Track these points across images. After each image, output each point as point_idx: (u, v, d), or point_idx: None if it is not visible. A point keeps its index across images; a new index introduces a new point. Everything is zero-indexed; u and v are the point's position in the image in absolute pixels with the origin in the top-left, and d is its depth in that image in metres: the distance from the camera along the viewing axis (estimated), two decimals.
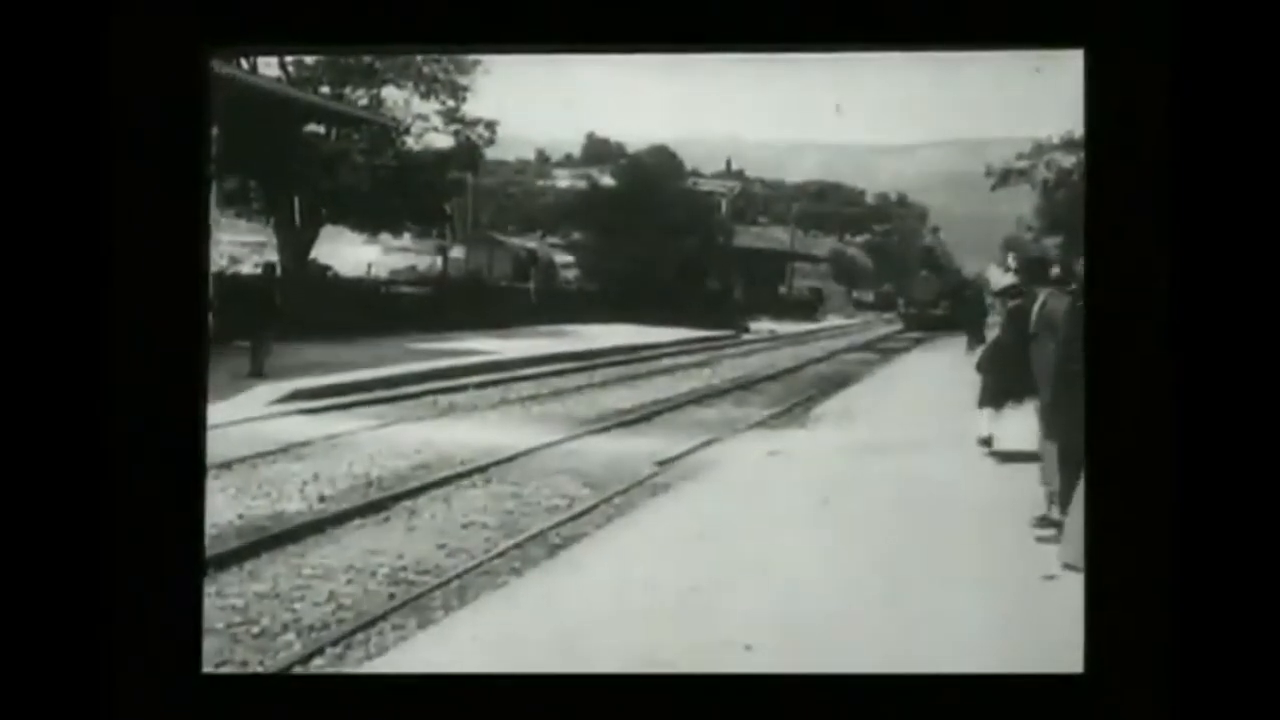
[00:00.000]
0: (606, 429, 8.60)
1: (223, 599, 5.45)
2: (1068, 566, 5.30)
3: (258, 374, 8.31)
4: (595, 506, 7.02)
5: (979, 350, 9.14)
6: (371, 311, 9.87)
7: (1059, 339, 6.16)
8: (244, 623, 5.29)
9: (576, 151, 10.45)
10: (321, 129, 9.77)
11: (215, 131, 3.93)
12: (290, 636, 5.24)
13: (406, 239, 10.46)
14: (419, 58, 9.26)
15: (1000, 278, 7.45)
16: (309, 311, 9.20)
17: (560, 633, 5.00)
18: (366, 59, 9.30)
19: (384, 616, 5.44)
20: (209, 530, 3.88)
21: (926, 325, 12.39)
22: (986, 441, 7.69)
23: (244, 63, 8.53)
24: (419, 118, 9.74)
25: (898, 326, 12.07)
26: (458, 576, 5.92)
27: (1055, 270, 6.55)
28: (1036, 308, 6.65)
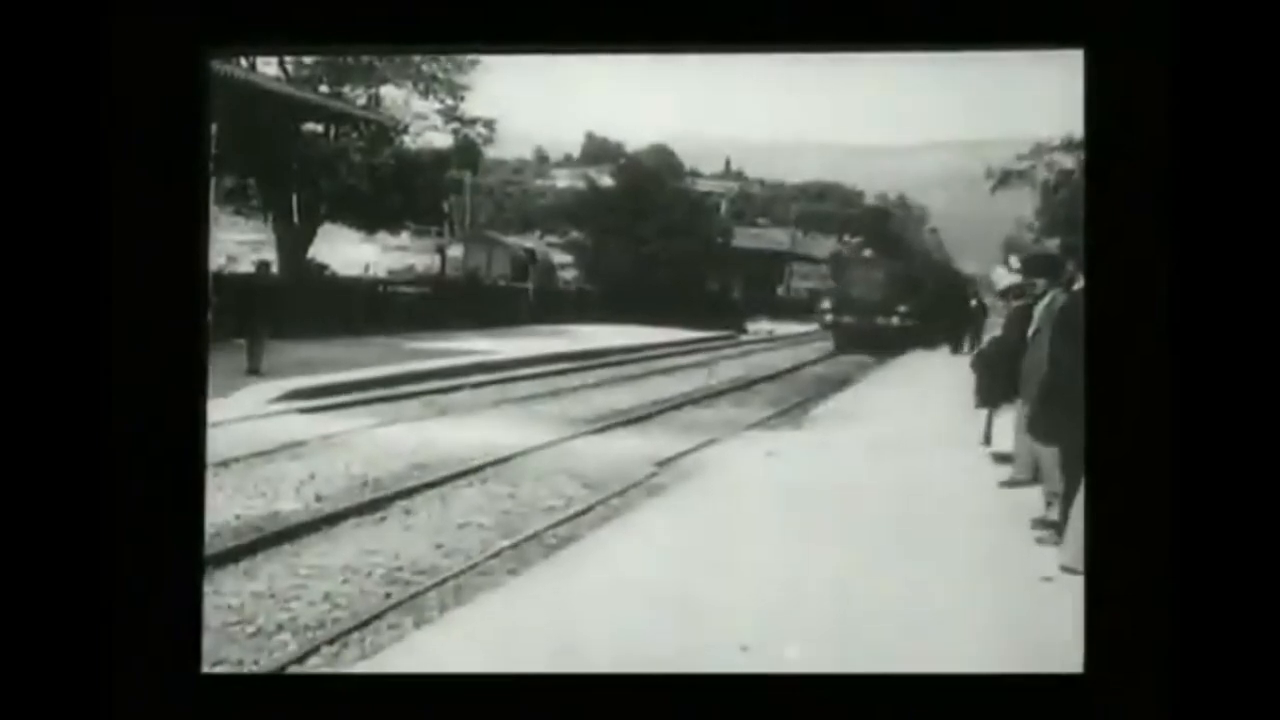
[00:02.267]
0: (604, 429, 8.61)
1: (219, 598, 5.45)
2: (1066, 569, 5.30)
3: (255, 371, 8.33)
4: (592, 507, 7.03)
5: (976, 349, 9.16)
6: (369, 310, 9.89)
7: (1058, 337, 6.15)
8: (239, 622, 5.29)
9: (575, 151, 10.47)
10: (320, 128, 9.79)
11: (214, 130, 3.91)
12: (286, 636, 5.24)
13: (405, 238, 10.48)
14: (418, 57, 9.28)
15: (1004, 277, 7.45)
16: (306, 310, 9.22)
17: (557, 633, 5.00)
18: (365, 58, 9.32)
19: (380, 616, 5.43)
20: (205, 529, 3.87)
21: (872, 343, 10.53)
22: (986, 441, 7.70)
23: (243, 62, 8.54)
24: (418, 116, 9.77)
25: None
26: (454, 576, 5.92)
27: (1066, 269, 6.52)
28: (1043, 306, 6.64)
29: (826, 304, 10.51)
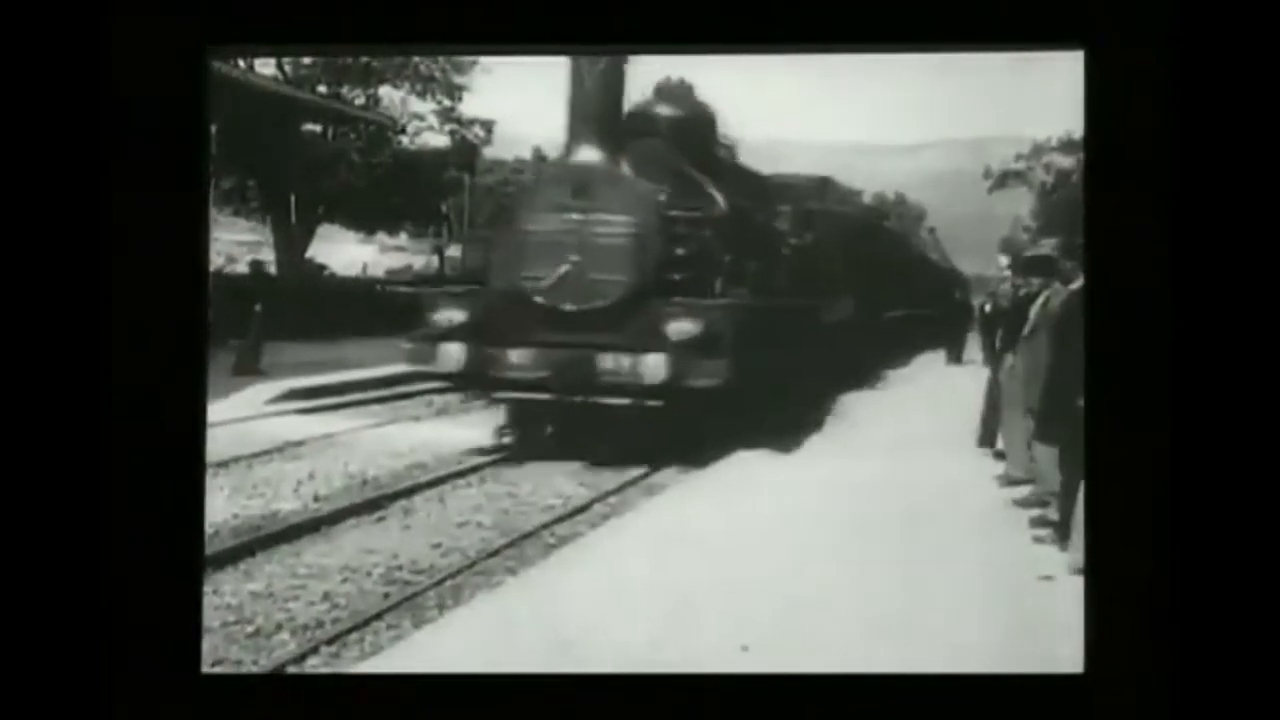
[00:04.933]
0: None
1: (218, 598, 5.45)
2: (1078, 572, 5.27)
3: (248, 372, 8.31)
4: (590, 505, 7.02)
5: (967, 359, 9.10)
6: (367, 310, 9.87)
7: (1058, 337, 6.16)
8: (238, 622, 5.29)
9: None
10: (318, 128, 9.79)
11: (213, 130, 3.92)
12: (285, 636, 5.23)
13: (403, 238, 10.47)
14: (416, 58, 9.28)
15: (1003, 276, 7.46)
16: (304, 310, 9.20)
17: (556, 632, 5.00)
18: (363, 59, 9.32)
19: (379, 616, 5.43)
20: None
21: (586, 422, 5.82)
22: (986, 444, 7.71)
23: (241, 63, 8.54)
24: (415, 117, 9.76)
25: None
26: (452, 576, 5.91)
27: (1060, 269, 6.52)
28: (1038, 305, 6.64)
29: (449, 314, 5.83)
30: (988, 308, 8.57)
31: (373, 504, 6.85)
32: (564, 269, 5.55)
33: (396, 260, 10.47)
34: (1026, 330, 6.70)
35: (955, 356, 9.47)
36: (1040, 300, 6.65)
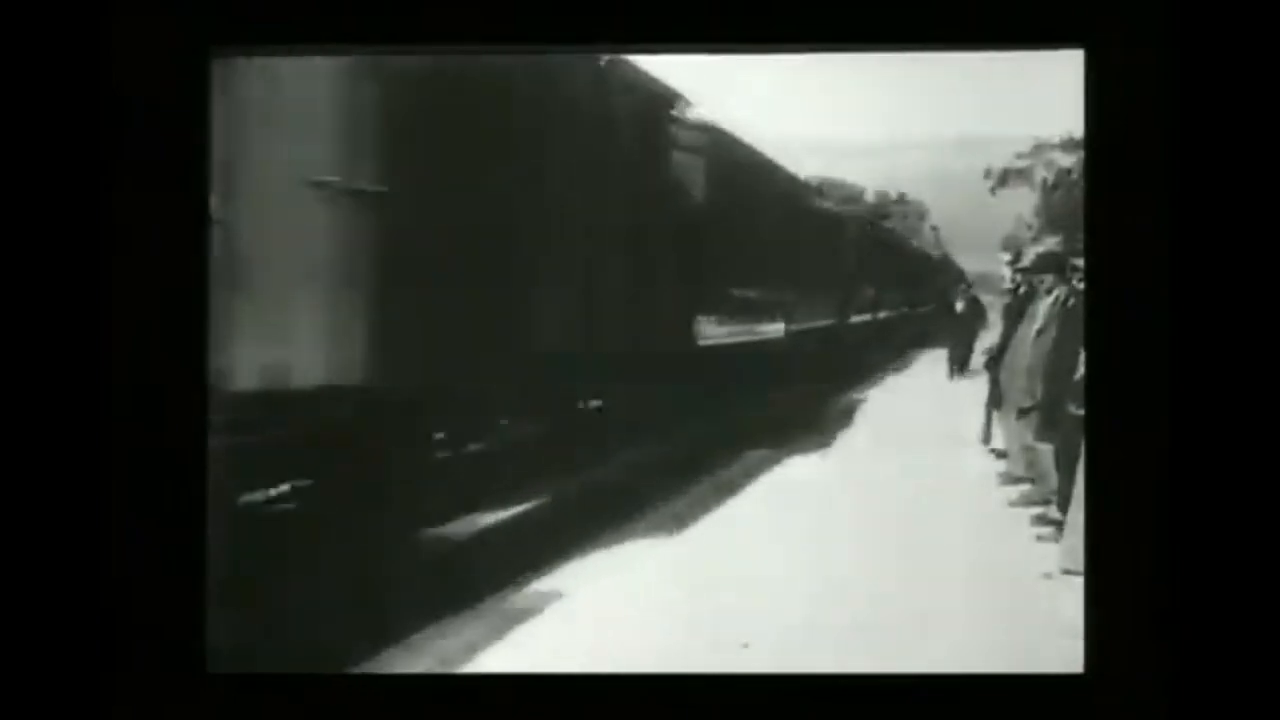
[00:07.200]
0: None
1: None
2: (1068, 572, 5.29)
3: None
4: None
5: (967, 370, 9.08)
6: None
7: (1066, 334, 6.16)
8: None
9: None
10: None
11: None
12: None
13: None
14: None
15: (1007, 275, 7.44)
16: None
17: (556, 632, 5.01)
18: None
19: None
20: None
21: None
22: (986, 440, 7.71)
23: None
24: None
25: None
26: None
27: (1070, 267, 6.51)
28: (1047, 303, 6.63)
29: None
30: (959, 307, 8.49)
31: None
32: None
33: None
34: (1036, 329, 6.69)
35: (961, 362, 9.37)
36: (1049, 299, 6.64)
